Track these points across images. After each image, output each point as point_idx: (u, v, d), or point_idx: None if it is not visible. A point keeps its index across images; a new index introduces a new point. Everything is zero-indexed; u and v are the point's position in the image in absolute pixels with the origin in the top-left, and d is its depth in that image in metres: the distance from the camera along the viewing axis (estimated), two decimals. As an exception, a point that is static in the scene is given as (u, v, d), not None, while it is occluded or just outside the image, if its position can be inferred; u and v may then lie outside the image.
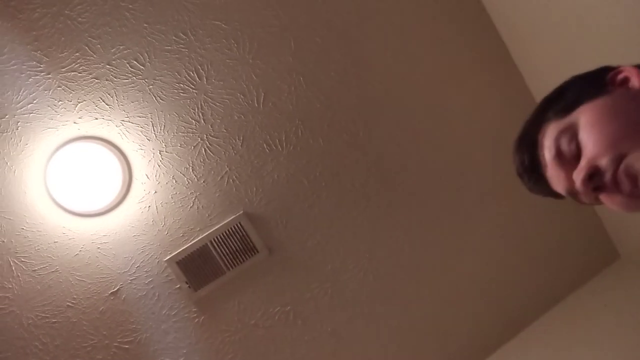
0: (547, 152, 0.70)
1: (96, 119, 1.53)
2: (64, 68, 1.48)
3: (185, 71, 1.58)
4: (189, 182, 1.62)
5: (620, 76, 0.68)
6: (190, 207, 1.62)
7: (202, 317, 1.66)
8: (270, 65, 1.64)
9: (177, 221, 1.62)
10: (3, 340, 1.51)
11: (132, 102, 1.55)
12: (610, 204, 0.67)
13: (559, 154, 0.68)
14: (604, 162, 0.62)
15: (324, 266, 1.74)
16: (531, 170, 0.74)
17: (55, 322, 1.55)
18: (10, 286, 1.51)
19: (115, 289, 1.59)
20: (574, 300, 1.89)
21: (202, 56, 1.58)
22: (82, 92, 1.50)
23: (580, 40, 1.48)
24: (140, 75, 1.55)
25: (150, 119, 1.57)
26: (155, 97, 1.56)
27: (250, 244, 1.65)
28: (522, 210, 1.86)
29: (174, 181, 1.61)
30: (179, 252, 1.61)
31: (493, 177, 1.83)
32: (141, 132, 1.57)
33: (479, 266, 1.85)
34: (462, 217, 1.83)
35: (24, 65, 1.45)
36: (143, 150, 1.57)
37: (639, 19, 1.29)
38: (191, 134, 1.61)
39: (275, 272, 1.70)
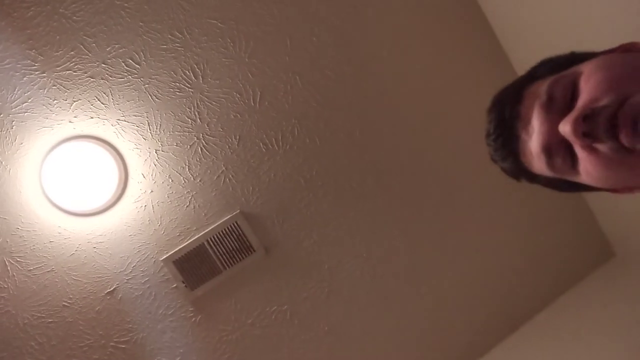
0: (534, 102, 0.60)
1: (92, 118, 1.52)
2: (59, 67, 1.47)
3: (181, 70, 1.57)
4: (185, 182, 1.61)
5: (619, 49, 0.62)
6: (187, 206, 1.62)
7: (199, 317, 1.66)
8: (267, 64, 1.64)
9: (174, 220, 1.61)
10: (-2, 340, 1.51)
11: (128, 101, 1.54)
12: (590, 163, 0.56)
13: (549, 101, 0.58)
14: (604, 101, 0.53)
15: (321, 265, 1.74)
16: (508, 126, 0.63)
17: (51, 322, 1.54)
18: (6, 286, 1.50)
19: (112, 289, 1.58)
20: (569, 298, 1.90)
21: (198, 55, 1.58)
22: (78, 91, 1.50)
23: (578, 39, 1.48)
24: (136, 74, 1.54)
25: (146, 118, 1.56)
26: (151, 96, 1.56)
27: (247, 243, 1.65)
28: (518, 208, 1.87)
29: (170, 180, 1.60)
30: (176, 251, 1.61)
31: (489, 177, 1.83)
32: (137, 131, 1.56)
33: (474, 265, 1.86)
34: (458, 217, 1.84)
35: (19, 64, 1.45)
36: (139, 150, 1.57)
37: (637, 19, 1.30)
38: (187, 133, 1.60)
39: (272, 271, 1.70)
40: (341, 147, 1.73)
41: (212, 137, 1.62)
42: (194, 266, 1.62)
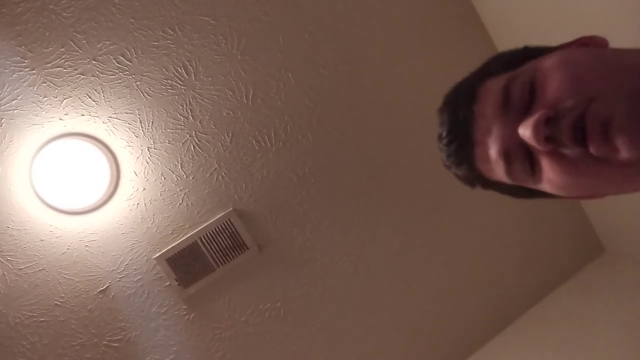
0: (490, 103, 0.54)
1: (82, 115, 1.51)
2: (48, 64, 1.46)
3: (173, 67, 1.56)
4: (177, 179, 1.61)
5: (577, 43, 0.57)
6: (180, 204, 1.61)
7: (192, 315, 1.65)
8: (259, 62, 1.63)
9: (166, 218, 1.61)
10: (-11, 340, 1.50)
11: (120, 99, 1.53)
12: (552, 170, 0.51)
13: (506, 101, 0.52)
14: (568, 102, 0.47)
15: (314, 263, 1.74)
16: (461, 129, 0.57)
17: (43, 321, 1.53)
18: (-4, 285, 1.49)
19: (104, 287, 1.57)
20: (560, 294, 1.92)
21: (190, 52, 1.57)
22: (68, 88, 1.48)
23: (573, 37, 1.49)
24: (127, 71, 1.53)
25: (138, 116, 1.55)
26: (142, 93, 1.55)
27: (240, 240, 1.65)
28: (509, 205, 1.88)
29: (163, 178, 1.59)
30: (168, 249, 1.60)
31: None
32: (129, 128, 1.55)
33: (466, 262, 1.87)
34: (450, 214, 1.85)
35: (8, 60, 1.43)
36: (131, 147, 1.56)
37: (632, 17, 1.31)
38: (180, 131, 1.59)
39: (265, 268, 1.70)
40: (334, 145, 1.73)
41: (205, 134, 1.61)
42: (187, 264, 1.62)
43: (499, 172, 0.56)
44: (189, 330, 1.65)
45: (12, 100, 1.44)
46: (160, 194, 1.60)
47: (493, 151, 0.55)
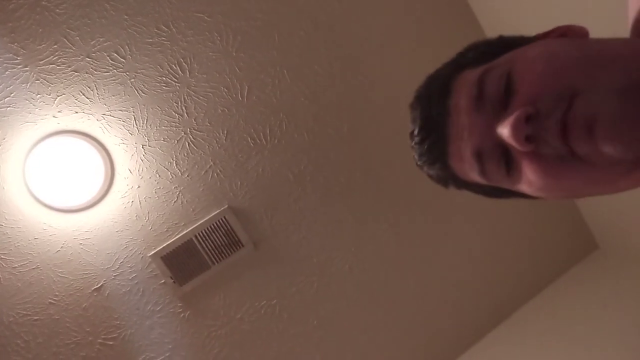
0: (464, 97, 0.50)
1: (76, 112, 1.50)
2: (42, 60, 1.45)
3: (168, 64, 1.56)
4: (172, 177, 1.60)
5: (554, 33, 0.54)
6: (175, 201, 1.61)
7: (188, 312, 1.65)
8: (254, 59, 1.63)
9: (161, 216, 1.60)
10: (-17, 338, 1.49)
11: (114, 96, 1.52)
12: (533, 172, 0.48)
13: (480, 96, 0.49)
14: (549, 99, 0.44)
15: (310, 260, 1.74)
16: (434, 125, 0.53)
17: (37, 319, 1.52)
18: (-10, 284, 1.48)
19: (99, 285, 1.57)
20: (554, 290, 1.94)
21: (184, 49, 1.56)
22: (62, 85, 1.47)
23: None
24: (121, 68, 1.52)
25: (133, 113, 1.55)
26: (137, 90, 1.54)
27: (235, 238, 1.65)
28: (503, 203, 1.89)
29: (158, 175, 1.59)
30: (164, 247, 1.60)
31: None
32: (123, 126, 1.54)
33: (461, 258, 1.88)
34: (444, 211, 1.85)
35: (0, 57, 1.42)
36: (125, 145, 1.55)
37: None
38: (174, 128, 1.59)
39: (261, 266, 1.70)
40: (330, 142, 1.73)
41: (200, 131, 1.61)
42: (182, 262, 1.61)
43: (471, 171, 0.53)
44: (185, 328, 1.65)
45: (4, 98, 1.43)
46: (155, 192, 1.59)
47: (467, 150, 0.51)
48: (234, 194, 1.66)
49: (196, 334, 1.66)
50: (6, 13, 1.40)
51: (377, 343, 1.82)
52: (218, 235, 1.64)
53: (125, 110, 1.54)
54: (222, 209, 1.64)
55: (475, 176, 0.54)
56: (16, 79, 1.43)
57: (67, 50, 1.46)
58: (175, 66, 1.56)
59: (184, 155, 1.60)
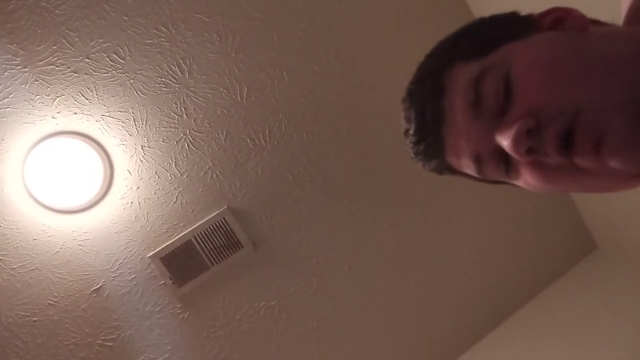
0: (460, 98, 0.49)
1: (75, 113, 1.50)
2: (41, 61, 1.45)
3: (167, 65, 1.56)
4: (172, 178, 1.60)
5: (550, 17, 0.51)
6: (174, 202, 1.61)
7: (187, 313, 1.65)
8: (253, 60, 1.63)
9: (160, 217, 1.60)
10: (-18, 340, 1.49)
11: (113, 97, 1.52)
12: (533, 178, 0.48)
13: (478, 101, 0.48)
14: (551, 111, 0.43)
15: (309, 260, 1.74)
16: (431, 126, 0.52)
17: (36, 320, 1.52)
18: (-11, 285, 1.48)
19: (98, 286, 1.57)
20: (553, 290, 1.94)
21: (183, 50, 1.56)
22: (61, 86, 1.47)
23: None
24: (121, 69, 1.52)
25: (132, 114, 1.55)
26: (136, 91, 1.54)
27: (235, 239, 1.65)
28: (502, 203, 1.89)
29: (157, 176, 1.59)
30: (163, 248, 1.60)
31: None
32: (122, 127, 1.54)
33: (460, 259, 1.88)
34: (444, 211, 1.85)
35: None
36: (124, 146, 1.55)
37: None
38: (174, 129, 1.59)
39: (260, 266, 1.70)
40: (329, 142, 1.73)
41: (199, 132, 1.61)
42: (182, 263, 1.61)
43: (469, 170, 0.53)
44: (184, 329, 1.65)
45: (4, 99, 1.43)
46: (155, 193, 1.59)
47: (464, 152, 0.51)
48: (233, 195, 1.66)
49: (195, 334, 1.66)
50: (5, 14, 1.40)
51: (376, 343, 1.81)
52: (217, 236, 1.64)
53: (124, 111, 1.54)
54: (222, 209, 1.64)
55: (472, 173, 0.54)
56: (15, 80, 1.43)
57: (66, 51, 1.46)
58: (175, 67, 1.56)
59: (183, 156, 1.60)
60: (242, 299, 1.69)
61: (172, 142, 1.59)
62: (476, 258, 1.90)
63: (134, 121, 1.55)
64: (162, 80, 1.56)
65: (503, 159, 0.49)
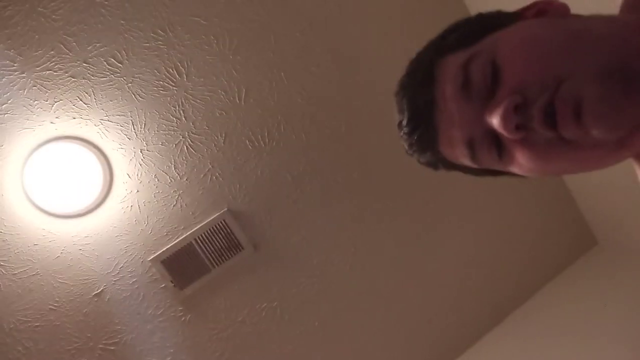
0: (450, 86, 0.51)
1: (74, 118, 1.50)
2: (38, 67, 1.45)
3: (165, 68, 1.56)
4: (171, 181, 1.60)
5: (534, 9, 0.53)
6: (174, 205, 1.61)
7: (189, 316, 1.65)
8: (251, 61, 1.63)
9: (161, 220, 1.60)
10: (-16, 346, 1.48)
11: (111, 101, 1.52)
12: (524, 157, 0.49)
13: (466, 84, 0.49)
14: (535, 86, 0.45)
15: (310, 261, 1.74)
16: (424, 115, 0.54)
17: (37, 325, 1.52)
18: (-10, 291, 1.48)
19: (99, 291, 1.57)
20: (554, 287, 1.94)
21: (181, 53, 1.56)
22: (59, 91, 1.47)
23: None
24: (119, 73, 1.52)
25: (130, 118, 1.55)
26: (134, 95, 1.54)
27: (235, 241, 1.65)
28: (501, 200, 1.90)
29: (156, 180, 1.59)
30: (163, 251, 1.60)
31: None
32: (121, 130, 1.54)
33: (460, 258, 1.88)
34: (444, 210, 1.86)
35: (-3, 64, 1.42)
36: (123, 149, 1.55)
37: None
38: (172, 132, 1.59)
39: (261, 268, 1.71)
40: (327, 143, 1.73)
41: (198, 135, 1.61)
42: (183, 265, 1.61)
43: (463, 158, 0.54)
44: (186, 332, 1.65)
45: (2, 105, 1.43)
46: (154, 196, 1.59)
47: (457, 139, 0.52)
48: (233, 197, 1.66)
49: (197, 337, 1.66)
50: (2, 20, 1.40)
51: (377, 343, 1.82)
52: (218, 238, 1.64)
53: (122, 115, 1.54)
54: (222, 212, 1.64)
55: (466, 161, 0.55)
56: (13, 86, 1.43)
57: (63, 56, 1.46)
58: (172, 70, 1.56)
59: (182, 159, 1.60)
60: (244, 300, 1.69)
61: (171, 145, 1.59)
62: (476, 256, 1.90)
63: (133, 125, 1.55)
64: (160, 84, 1.56)
65: (495, 142, 0.50)
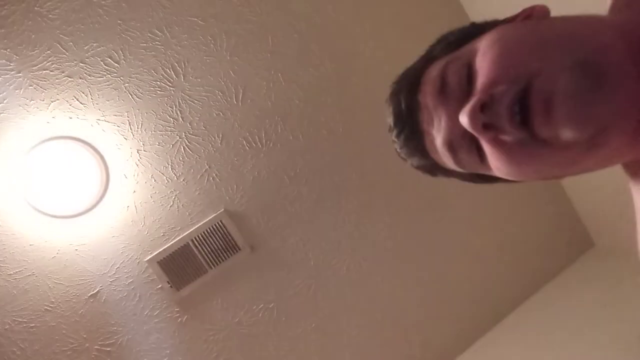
0: (429, 88, 0.52)
1: (70, 118, 1.49)
2: (35, 66, 1.44)
3: (162, 68, 1.55)
4: (168, 181, 1.60)
5: (521, 16, 0.54)
6: (170, 206, 1.60)
7: (185, 317, 1.64)
8: (248, 62, 1.63)
9: (157, 221, 1.60)
10: (-21, 347, 1.48)
11: (108, 101, 1.52)
12: (496, 159, 0.48)
13: (442, 87, 0.50)
14: (503, 84, 0.45)
15: (307, 262, 1.74)
16: (406, 117, 0.55)
17: (33, 326, 1.51)
18: (-15, 291, 1.47)
19: (95, 291, 1.56)
20: (551, 289, 1.94)
21: (178, 53, 1.56)
22: (55, 90, 1.47)
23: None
24: (115, 73, 1.52)
25: (127, 118, 1.54)
26: (131, 95, 1.54)
27: (232, 241, 1.65)
28: (498, 202, 1.90)
29: (153, 180, 1.58)
30: (160, 251, 1.60)
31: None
32: (118, 131, 1.54)
33: (457, 259, 1.88)
34: (441, 211, 1.86)
35: (-7, 64, 1.41)
36: (120, 150, 1.55)
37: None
38: (169, 132, 1.58)
39: (258, 269, 1.70)
40: (325, 144, 1.73)
41: (195, 135, 1.61)
42: (179, 266, 1.61)
43: (447, 161, 0.55)
44: (182, 333, 1.64)
45: (-2, 104, 1.43)
46: (151, 196, 1.58)
47: (438, 142, 0.53)
48: (230, 198, 1.65)
49: (194, 338, 1.65)
50: (-2, 19, 1.40)
51: (375, 343, 1.81)
52: (214, 239, 1.63)
53: (119, 115, 1.53)
54: (219, 212, 1.64)
55: (451, 165, 0.55)
56: (9, 85, 1.43)
57: (60, 55, 1.46)
58: (170, 70, 1.56)
59: (179, 159, 1.60)
60: (241, 301, 1.69)
61: (168, 145, 1.59)
62: (473, 258, 1.90)
63: (130, 125, 1.54)
64: (157, 84, 1.56)
65: (475, 144, 0.50)
